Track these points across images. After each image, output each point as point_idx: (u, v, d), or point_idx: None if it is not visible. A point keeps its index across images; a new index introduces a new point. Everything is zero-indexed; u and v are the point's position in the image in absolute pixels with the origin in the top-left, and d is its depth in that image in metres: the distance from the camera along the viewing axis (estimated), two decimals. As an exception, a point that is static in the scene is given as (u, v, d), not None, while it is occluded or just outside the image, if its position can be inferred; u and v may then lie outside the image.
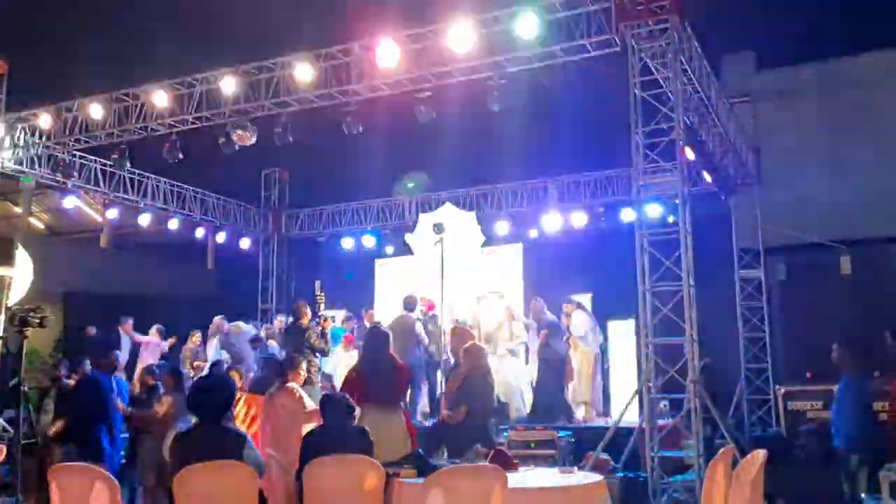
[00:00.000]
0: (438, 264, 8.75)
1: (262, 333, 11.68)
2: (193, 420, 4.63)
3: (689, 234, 7.35)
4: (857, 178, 10.94)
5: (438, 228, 9.14)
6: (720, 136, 9.84)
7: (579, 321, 10.25)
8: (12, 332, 7.47)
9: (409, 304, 10.21)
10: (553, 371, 9.96)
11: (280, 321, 12.06)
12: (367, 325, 10.43)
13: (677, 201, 7.50)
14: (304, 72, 8.78)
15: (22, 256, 11.61)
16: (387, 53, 8.35)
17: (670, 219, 7.78)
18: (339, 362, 10.72)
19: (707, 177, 10.71)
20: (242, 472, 4.29)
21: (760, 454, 4.66)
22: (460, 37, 8.02)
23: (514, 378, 10.41)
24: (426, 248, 11.64)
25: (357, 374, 6.46)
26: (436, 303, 10.08)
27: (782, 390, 9.34)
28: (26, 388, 6.37)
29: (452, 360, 7.84)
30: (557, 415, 9.61)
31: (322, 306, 11.36)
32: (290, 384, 6.62)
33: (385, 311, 11.85)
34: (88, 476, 4.45)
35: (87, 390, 7.63)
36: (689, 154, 8.70)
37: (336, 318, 11.61)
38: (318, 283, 11.76)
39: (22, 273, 11.42)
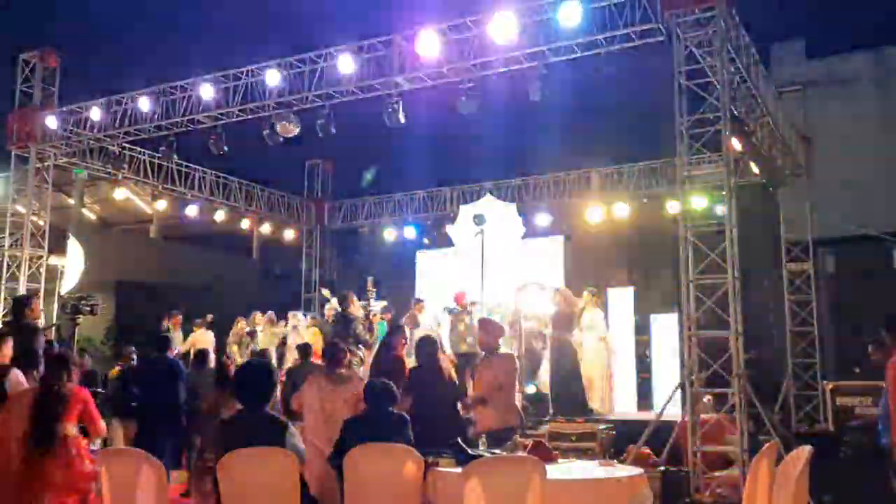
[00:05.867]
0: (478, 255, 8.74)
1: (308, 322, 11.85)
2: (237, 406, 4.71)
3: (735, 226, 7.22)
4: (911, 169, 10.63)
5: (479, 220, 9.12)
6: (768, 125, 9.62)
7: (596, 314, 10.02)
8: (65, 320, 7.73)
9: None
10: (571, 362, 9.70)
11: (331, 310, 12.18)
12: (417, 317, 10.46)
13: (723, 192, 7.37)
14: (346, 64, 8.84)
15: (74, 246, 11.99)
16: (428, 44, 8.36)
17: (716, 210, 7.63)
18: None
19: (754, 167, 10.50)
20: (284, 458, 4.35)
21: (806, 450, 4.56)
22: (502, 27, 8.00)
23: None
24: (467, 239, 11.65)
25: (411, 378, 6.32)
26: (470, 295, 10.06)
27: (830, 385, 9.13)
28: (78, 374, 6.56)
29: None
30: (576, 407, 9.29)
31: (372, 301, 11.48)
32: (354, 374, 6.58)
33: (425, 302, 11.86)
34: (136, 460, 4.55)
35: (174, 373, 7.92)
36: (736, 144, 8.53)
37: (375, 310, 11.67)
38: (370, 280, 11.91)
39: (74, 262, 11.79)
